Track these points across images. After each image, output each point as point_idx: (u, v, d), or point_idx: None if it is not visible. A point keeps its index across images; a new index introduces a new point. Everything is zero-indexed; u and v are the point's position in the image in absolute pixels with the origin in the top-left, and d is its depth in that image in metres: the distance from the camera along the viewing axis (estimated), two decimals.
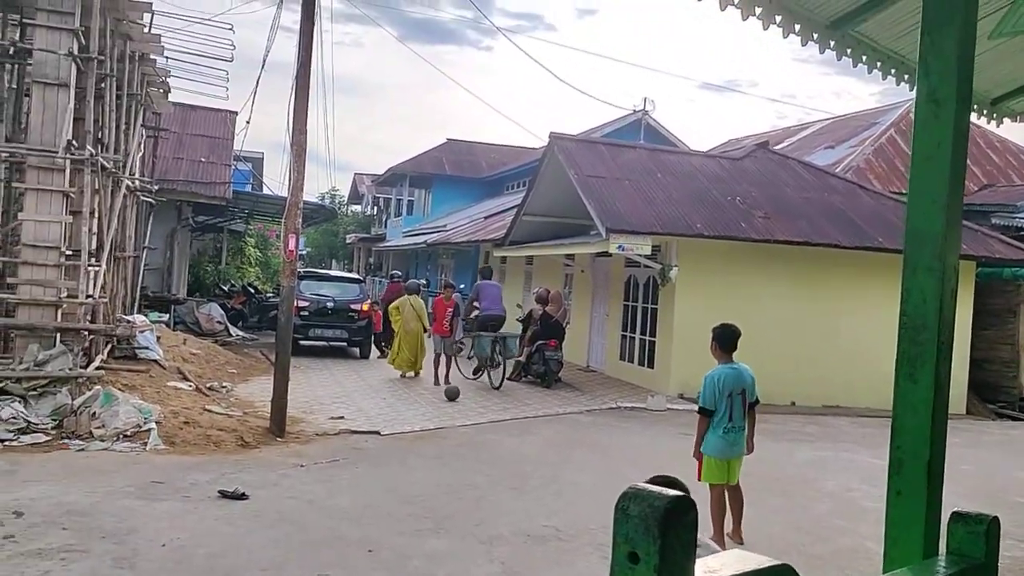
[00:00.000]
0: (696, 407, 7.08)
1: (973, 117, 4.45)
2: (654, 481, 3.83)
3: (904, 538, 2.05)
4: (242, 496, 6.97)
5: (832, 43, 3.94)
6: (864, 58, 4.09)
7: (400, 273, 22.52)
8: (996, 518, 1.61)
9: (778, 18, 3.68)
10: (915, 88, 2.21)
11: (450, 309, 14.65)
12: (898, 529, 2.07)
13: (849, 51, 4.03)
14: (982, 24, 3.37)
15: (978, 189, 19.84)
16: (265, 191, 25.58)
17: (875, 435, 12.01)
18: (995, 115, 4.87)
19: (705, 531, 6.38)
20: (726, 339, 6.65)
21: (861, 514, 7.75)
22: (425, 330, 15.02)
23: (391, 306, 15.99)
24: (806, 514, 7.75)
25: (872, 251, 14.28)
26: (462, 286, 26.17)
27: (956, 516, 1.63)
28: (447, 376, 14.25)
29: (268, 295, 23.37)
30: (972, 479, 9.33)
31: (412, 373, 15.12)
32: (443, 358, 14.45)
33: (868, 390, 14.18)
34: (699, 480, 6.58)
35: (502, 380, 14.34)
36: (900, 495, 2.08)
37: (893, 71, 4.25)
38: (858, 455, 10.61)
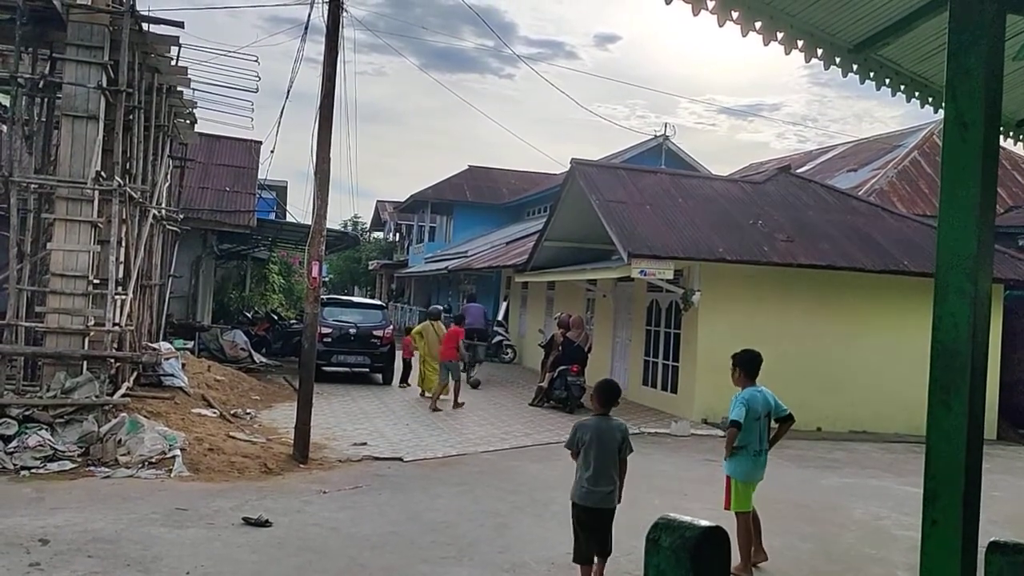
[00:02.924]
0: (722, 432, 7.00)
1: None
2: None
3: (940, 569, 2.00)
4: (265, 523, 6.97)
5: (855, 66, 3.92)
6: (887, 81, 4.08)
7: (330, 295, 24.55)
8: None
9: (800, 42, 3.68)
10: (942, 111, 2.20)
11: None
12: (934, 560, 2.02)
13: (872, 74, 4.02)
14: (1007, 46, 3.35)
15: (1004, 211, 19.60)
16: (289, 219, 25.85)
17: (903, 461, 11.82)
18: (1020, 137, 4.82)
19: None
20: (751, 364, 6.58)
21: (891, 542, 7.60)
22: None
23: (414, 331, 16.76)
24: (835, 542, 7.61)
25: (897, 274, 14.13)
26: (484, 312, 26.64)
27: (993, 546, 1.58)
28: (457, 398, 14.67)
29: (291, 322, 23.47)
30: (1006, 506, 9.14)
31: (443, 396, 15.29)
32: (452, 384, 14.62)
33: (895, 415, 13.97)
34: (726, 509, 6.48)
35: (471, 376, 17.25)
36: (935, 525, 2.03)
37: (917, 94, 4.23)
38: (886, 482, 10.43)
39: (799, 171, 21.45)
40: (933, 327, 2.07)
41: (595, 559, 5.73)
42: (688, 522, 1.01)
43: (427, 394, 15.28)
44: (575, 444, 5.73)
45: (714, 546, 1.00)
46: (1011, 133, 4.77)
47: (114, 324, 10.21)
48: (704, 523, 1.01)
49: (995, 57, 2.06)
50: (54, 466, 8.52)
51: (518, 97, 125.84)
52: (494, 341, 23.71)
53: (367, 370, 17.70)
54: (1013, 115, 4.63)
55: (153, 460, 8.84)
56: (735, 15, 3.33)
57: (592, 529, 5.68)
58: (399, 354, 18.02)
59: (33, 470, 8.37)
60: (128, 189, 11.01)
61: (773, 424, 6.64)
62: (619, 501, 5.78)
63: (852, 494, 9.68)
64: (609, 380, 6.18)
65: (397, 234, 47.28)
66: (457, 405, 14.46)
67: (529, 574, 6.21)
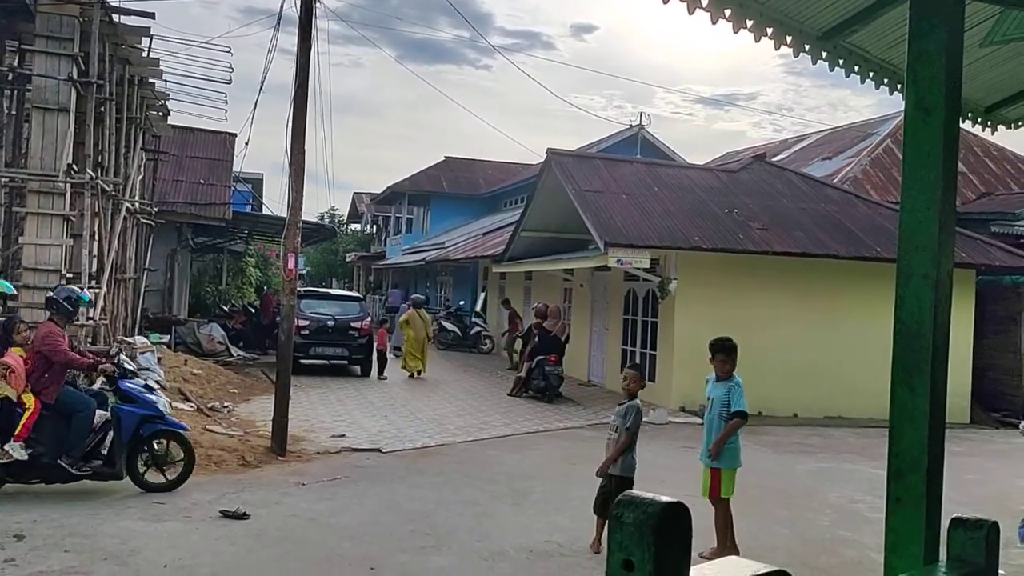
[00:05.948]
0: (699, 419, 7.07)
1: (967, 125, 4.46)
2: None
3: (904, 545, 2.05)
4: (244, 515, 6.95)
5: (824, 54, 3.94)
6: (857, 68, 4.10)
7: (268, 288, 26.51)
8: (995, 523, 1.60)
9: (769, 30, 3.69)
10: (904, 96, 2.23)
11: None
12: (898, 536, 2.06)
13: (841, 62, 4.04)
14: (973, 32, 3.40)
15: (976, 197, 19.87)
16: (265, 211, 25.67)
17: (877, 445, 11.97)
18: (989, 123, 4.87)
19: (708, 546, 6.35)
20: (735, 351, 6.68)
21: (865, 525, 7.71)
22: (429, 339, 18.07)
23: (400, 320, 18.25)
24: (810, 526, 7.71)
25: (870, 261, 14.28)
26: (462, 302, 26.98)
27: (955, 522, 1.62)
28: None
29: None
30: (976, 488, 9.30)
31: (418, 374, 17.36)
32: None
33: (869, 400, 14.11)
34: (715, 497, 6.54)
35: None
36: (900, 502, 2.07)
37: (886, 81, 4.26)
38: (861, 466, 10.57)
39: (775, 159, 21.61)
40: (896, 308, 2.10)
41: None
42: (650, 498, 1.03)
43: (416, 375, 17.25)
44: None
45: (676, 520, 1.02)
46: (979, 119, 4.82)
47: (88, 318, 10.11)
48: (665, 499, 1.03)
49: (955, 42, 2.09)
50: None
51: (495, 88, 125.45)
52: (472, 332, 23.85)
53: (345, 362, 17.65)
54: (981, 101, 4.67)
55: None
56: (704, 2, 3.34)
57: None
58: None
59: None
60: (100, 182, 10.89)
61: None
62: None
63: (827, 478, 9.81)
64: (637, 365, 8.24)
65: (374, 226, 47.08)
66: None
67: (507, 562, 6.24)
